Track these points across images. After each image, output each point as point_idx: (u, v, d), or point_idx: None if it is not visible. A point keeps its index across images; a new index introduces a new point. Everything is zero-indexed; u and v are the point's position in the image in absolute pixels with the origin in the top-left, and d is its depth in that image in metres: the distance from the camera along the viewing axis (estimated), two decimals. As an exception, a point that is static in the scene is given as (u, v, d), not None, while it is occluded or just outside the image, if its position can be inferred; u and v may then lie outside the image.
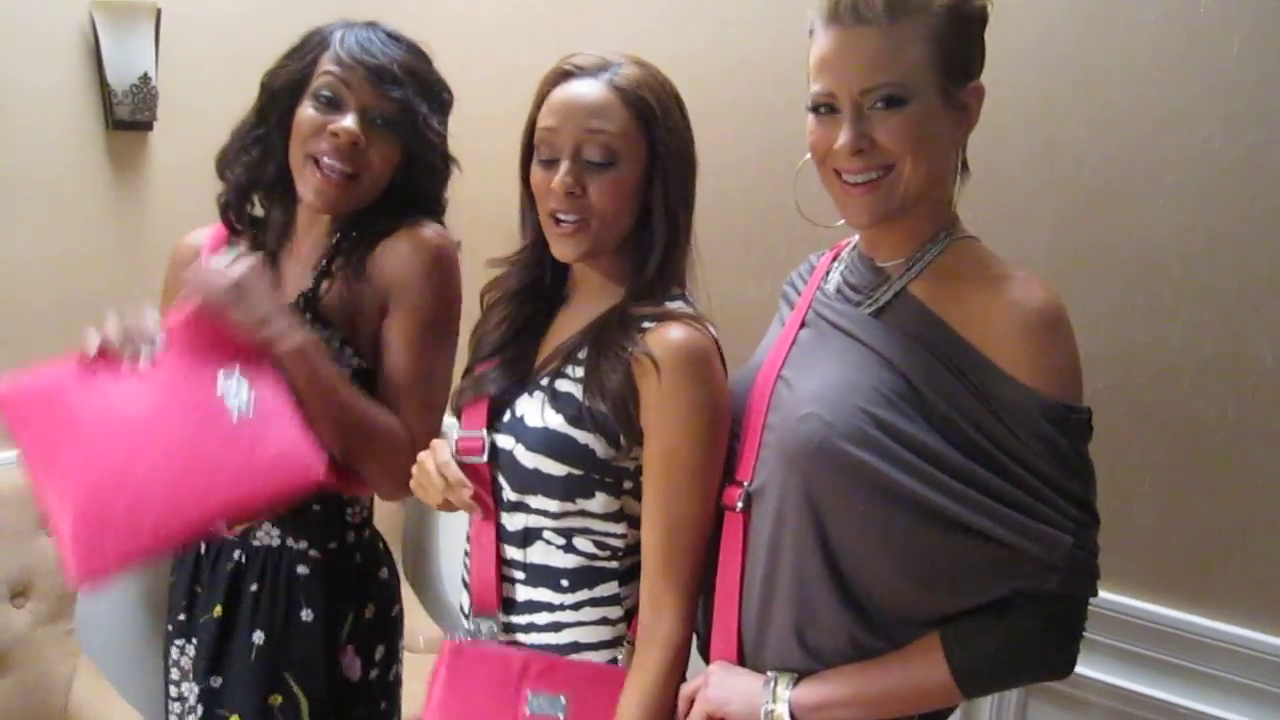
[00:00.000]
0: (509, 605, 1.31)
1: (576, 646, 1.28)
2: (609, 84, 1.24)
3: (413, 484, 1.34)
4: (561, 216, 1.25)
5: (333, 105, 1.41)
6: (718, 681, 1.20)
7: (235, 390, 1.31)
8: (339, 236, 1.49)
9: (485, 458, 1.29)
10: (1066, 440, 1.06)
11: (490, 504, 1.30)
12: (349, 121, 1.40)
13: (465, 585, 1.36)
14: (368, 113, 1.41)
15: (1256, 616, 1.62)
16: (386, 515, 2.40)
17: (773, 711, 1.15)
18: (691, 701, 1.22)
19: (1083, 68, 1.68)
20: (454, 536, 2.66)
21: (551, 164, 1.25)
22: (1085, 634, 1.84)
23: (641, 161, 1.25)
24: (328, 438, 1.35)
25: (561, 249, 1.28)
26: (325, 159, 1.41)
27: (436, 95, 1.48)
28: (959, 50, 1.10)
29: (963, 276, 1.13)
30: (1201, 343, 1.62)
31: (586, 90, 1.24)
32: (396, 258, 1.45)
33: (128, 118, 2.26)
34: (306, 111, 1.43)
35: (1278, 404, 1.57)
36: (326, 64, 1.42)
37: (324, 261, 1.48)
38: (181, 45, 2.30)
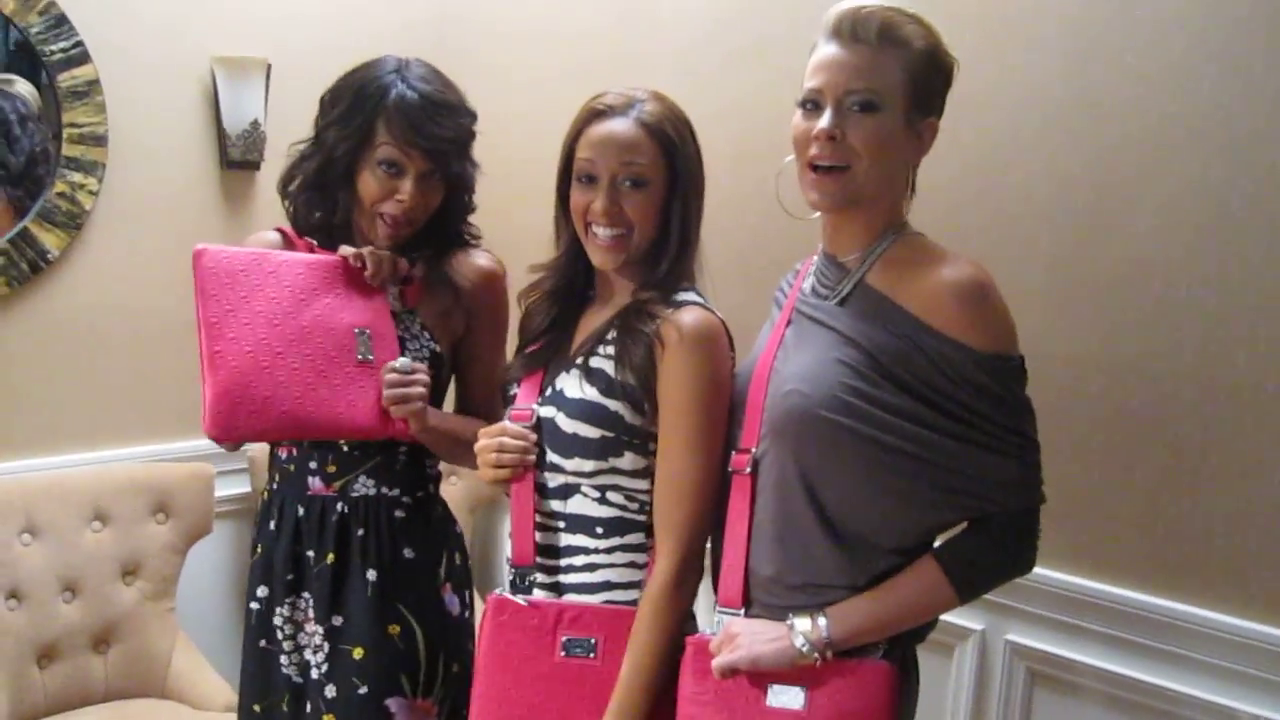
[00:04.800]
0: (552, 551, 1.52)
1: (608, 585, 1.49)
2: (637, 121, 1.48)
3: (483, 462, 1.54)
4: (599, 231, 1.49)
5: (393, 172, 1.66)
6: (744, 633, 1.36)
7: (364, 340, 1.63)
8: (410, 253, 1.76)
9: (532, 423, 1.52)
10: (999, 384, 1.29)
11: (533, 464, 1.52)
12: (409, 188, 1.65)
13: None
14: (423, 175, 1.67)
15: (1233, 603, 1.77)
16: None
17: (803, 650, 1.32)
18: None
19: (1074, 107, 1.89)
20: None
21: (589, 188, 1.50)
22: (1079, 623, 2.00)
23: (665, 182, 1.50)
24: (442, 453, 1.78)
25: (601, 258, 1.52)
26: (390, 215, 1.67)
27: (470, 138, 1.73)
28: (925, 87, 1.34)
29: (908, 263, 1.36)
30: (1182, 352, 1.79)
31: (619, 127, 1.48)
32: (471, 282, 1.76)
33: (239, 158, 2.58)
34: (371, 177, 1.67)
35: (1252, 406, 1.73)
36: (384, 136, 1.65)
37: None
38: (287, 95, 2.60)
